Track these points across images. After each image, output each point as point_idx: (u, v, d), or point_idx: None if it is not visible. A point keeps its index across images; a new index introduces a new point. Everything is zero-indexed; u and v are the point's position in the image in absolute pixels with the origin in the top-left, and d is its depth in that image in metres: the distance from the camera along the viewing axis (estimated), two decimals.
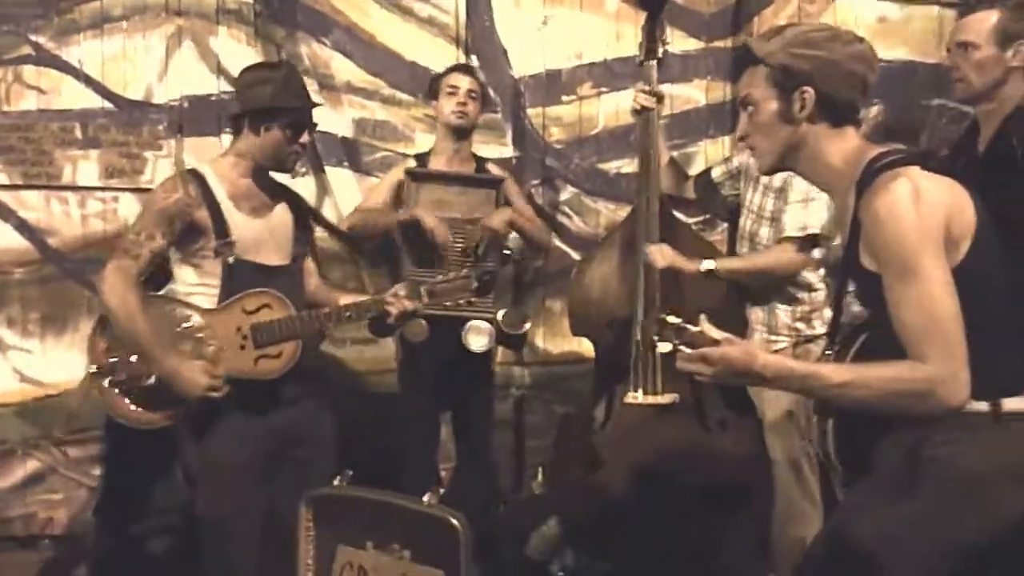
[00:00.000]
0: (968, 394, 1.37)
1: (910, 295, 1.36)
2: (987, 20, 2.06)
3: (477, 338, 2.70)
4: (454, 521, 1.89)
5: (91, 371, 2.11)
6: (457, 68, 2.93)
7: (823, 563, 1.54)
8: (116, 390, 2.11)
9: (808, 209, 2.34)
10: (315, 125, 2.25)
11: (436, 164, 2.86)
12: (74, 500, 3.15)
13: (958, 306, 1.37)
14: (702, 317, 1.46)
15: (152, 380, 2.08)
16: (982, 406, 1.40)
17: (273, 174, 2.27)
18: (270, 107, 2.13)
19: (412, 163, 2.87)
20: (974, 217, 1.42)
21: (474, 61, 3.28)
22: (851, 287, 1.53)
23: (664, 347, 1.47)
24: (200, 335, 2.12)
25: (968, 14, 2.10)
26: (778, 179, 2.44)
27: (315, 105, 2.28)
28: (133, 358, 2.09)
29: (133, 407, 2.11)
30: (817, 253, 2.44)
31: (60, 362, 3.12)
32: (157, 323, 2.07)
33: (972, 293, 1.38)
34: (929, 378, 1.36)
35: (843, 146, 1.49)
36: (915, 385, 1.36)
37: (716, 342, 1.42)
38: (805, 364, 1.45)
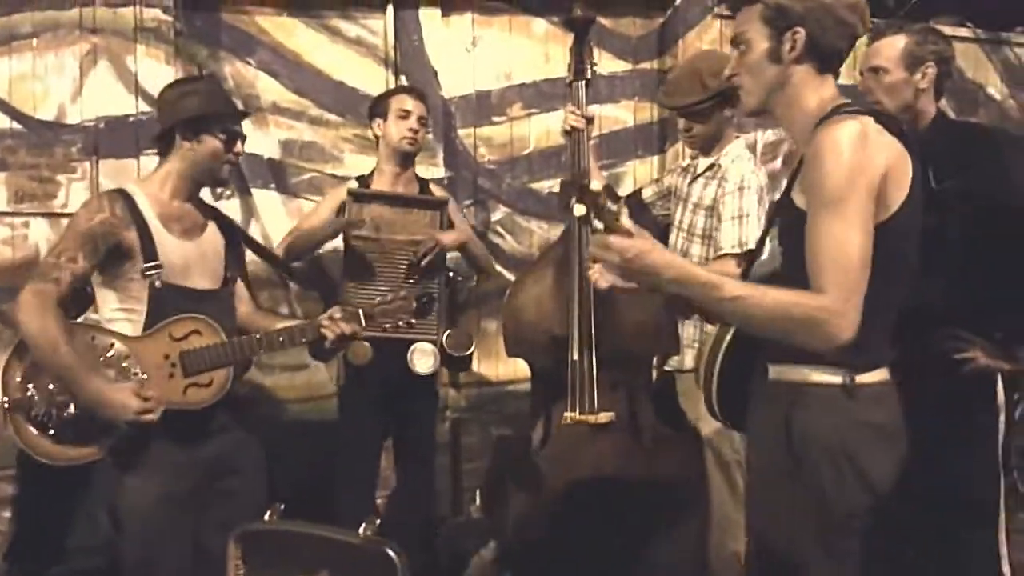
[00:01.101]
0: (853, 335, 1.38)
1: (827, 227, 1.39)
2: (896, 45, 2.14)
3: (423, 360, 2.66)
4: (391, 553, 1.83)
5: (4, 405, 1.98)
6: (406, 91, 2.85)
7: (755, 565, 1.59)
8: (32, 426, 1.98)
9: (742, 225, 2.39)
10: (244, 137, 2.18)
11: (379, 185, 2.81)
12: None
13: (869, 250, 1.39)
14: (623, 208, 1.44)
15: (72, 410, 1.96)
16: (837, 379, 1.45)
17: (203, 194, 2.20)
18: (200, 116, 2.06)
19: (353, 184, 2.81)
20: (909, 185, 1.45)
21: (403, 81, 3.26)
22: (774, 229, 1.56)
23: (579, 210, 1.42)
24: (125, 364, 2.01)
25: (878, 39, 2.18)
26: (708, 198, 2.49)
27: (245, 114, 2.23)
28: (51, 387, 1.97)
29: (53, 443, 1.98)
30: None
31: None
32: (81, 352, 1.96)
33: (881, 257, 1.41)
34: (823, 307, 1.37)
35: (821, 93, 1.51)
36: (807, 312, 1.38)
37: (629, 232, 1.42)
38: (707, 272, 1.45)
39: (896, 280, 1.46)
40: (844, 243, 1.38)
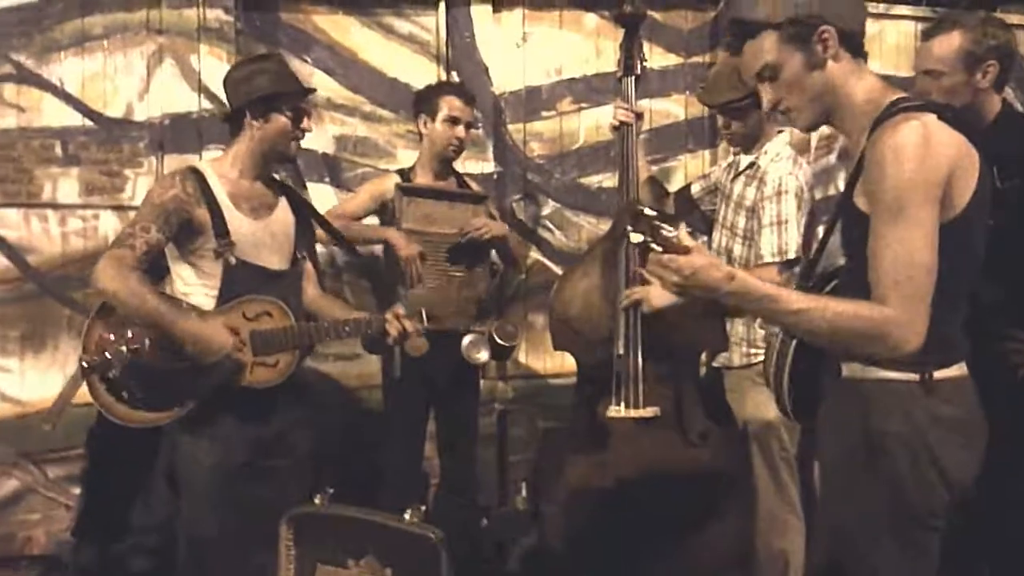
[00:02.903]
0: (919, 344, 1.36)
1: (891, 236, 1.37)
2: (951, 44, 2.01)
3: (478, 350, 2.69)
4: (434, 537, 1.89)
5: (82, 365, 2.06)
6: (457, 92, 2.83)
7: (823, 563, 1.58)
8: (107, 388, 2.06)
9: (781, 232, 2.35)
10: (310, 113, 2.23)
11: (421, 179, 2.86)
12: (53, 519, 3.12)
13: (935, 259, 1.36)
14: (682, 225, 1.46)
15: (147, 372, 2.02)
16: (914, 375, 1.42)
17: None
18: (271, 94, 2.12)
19: (396, 177, 2.87)
20: (976, 182, 1.41)
21: (455, 78, 3.30)
22: (838, 230, 1.54)
23: (636, 238, 1.44)
24: None
25: (931, 36, 2.08)
26: (748, 198, 2.46)
27: (311, 90, 2.27)
28: (129, 348, 2.03)
29: (125, 406, 2.06)
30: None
31: (39, 380, 3.10)
32: None
33: (950, 255, 1.38)
34: (887, 320, 1.36)
35: (866, 83, 1.49)
36: (871, 324, 1.36)
37: (687, 250, 1.43)
38: (768, 285, 1.44)
39: (966, 276, 1.43)
40: (908, 252, 1.36)
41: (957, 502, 1.46)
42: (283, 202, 2.25)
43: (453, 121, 2.76)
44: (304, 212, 2.31)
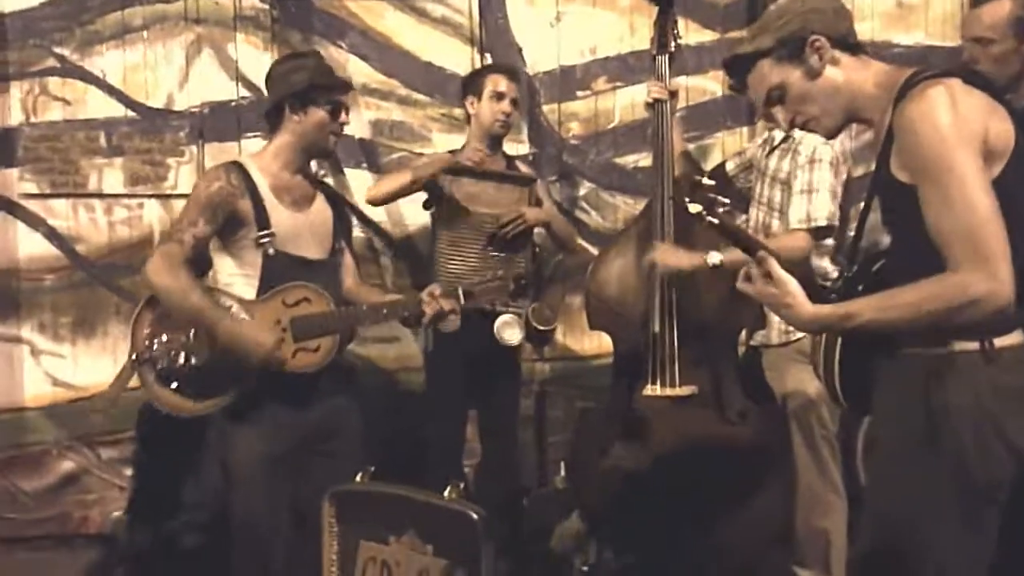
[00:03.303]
0: (1012, 293, 1.32)
1: (944, 196, 1.34)
2: (1001, 11, 1.99)
3: (510, 332, 2.70)
4: (473, 515, 1.90)
5: (132, 358, 2.13)
6: (502, 71, 2.85)
7: (874, 547, 1.54)
8: (157, 379, 2.13)
9: (811, 200, 2.31)
10: (348, 107, 2.27)
11: (468, 161, 2.87)
12: (107, 500, 3.23)
13: (995, 204, 1.33)
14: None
15: (193, 363, 2.09)
16: (974, 345, 1.40)
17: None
18: (307, 89, 2.16)
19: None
20: (1012, 137, 1.39)
21: (488, 60, 3.30)
22: (876, 207, 1.52)
23: (695, 208, 1.51)
24: None
25: (980, 4, 2.05)
26: (783, 171, 2.43)
27: (349, 86, 2.32)
28: (174, 342, 2.10)
29: (174, 395, 2.13)
30: (829, 241, 2.42)
31: (90, 365, 3.20)
32: None
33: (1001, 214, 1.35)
34: (961, 284, 1.32)
35: (871, 73, 1.51)
36: (951, 297, 1.33)
37: (755, 245, 1.48)
38: (838, 307, 1.44)
39: (1017, 236, 1.37)
40: (967, 205, 1.32)
41: (1022, 471, 1.43)
42: (321, 195, 2.29)
43: (499, 97, 2.76)
44: (341, 205, 2.36)
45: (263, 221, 2.13)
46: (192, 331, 2.11)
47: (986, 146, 1.36)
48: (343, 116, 2.22)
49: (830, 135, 1.61)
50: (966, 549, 1.43)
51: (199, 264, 2.19)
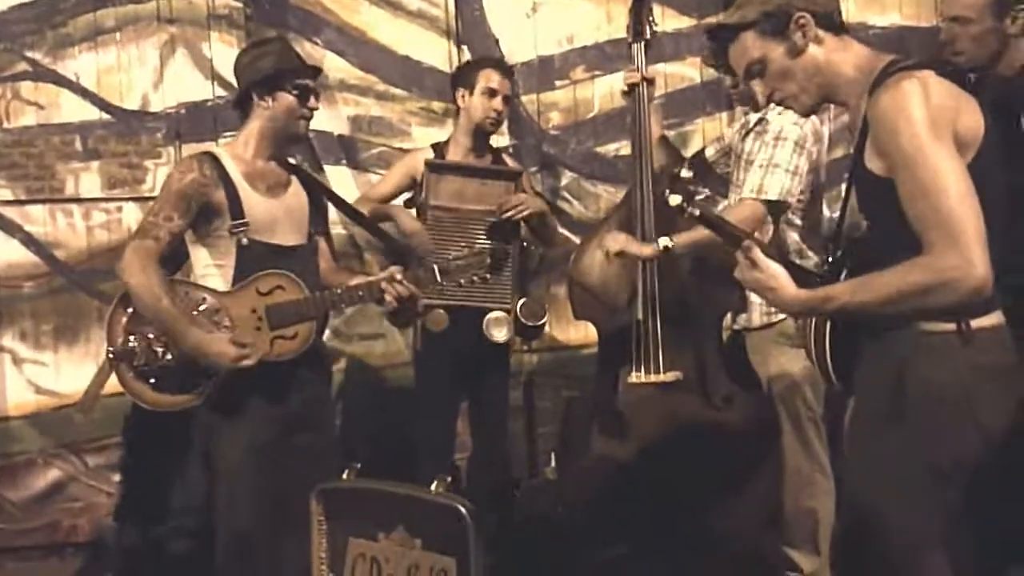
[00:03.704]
0: (987, 275, 1.33)
1: (919, 184, 1.36)
2: None
3: (498, 329, 2.70)
4: (461, 508, 1.90)
5: (108, 354, 2.12)
6: (495, 66, 2.81)
7: (846, 522, 1.59)
8: (135, 374, 2.11)
9: (767, 174, 2.31)
10: (318, 92, 2.25)
11: (454, 155, 2.82)
12: (95, 507, 3.21)
13: (970, 188, 1.34)
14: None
15: (170, 359, 2.08)
16: (951, 325, 1.41)
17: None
18: (274, 73, 2.15)
19: (429, 154, 2.84)
20: (982, 128, 1.42)
21: (465, 52, 3.29)
22: (852, 195, 1.54)
23: (675, 199, 1.52)
24: (216, 317, 2.12)
25: None
26: (755, 152, 2.43)
27: (318, 70, 2.30)
28: (151, 337, 2.09)
29: (153, 391, 2.12)
30: (797, 219, 2.43)
31: (73, 372, 3.17)
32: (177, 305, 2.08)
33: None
34: (940, 269, 1.34)
35: (853, 56, 1.52)
36: (927, 280, 1.35)
37: (739, 236, 1.49)
38: (819, 291, 1.48)
39: (991, 220, 1.39)
40: (941, 189, 1.34)
41: (991, 450, 1.45)
42: (296, 181, 2.27)
43: (492, 93, 2.73)
44: (316, 190, 2.34)
45: (237, 210, 2.12)
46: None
47: (957, 137, 1.38)
48: (312, 100, 2.20)
49: (805, 113, 1.62)
50: (927, 526, 1.46)
51: (175, 257, 2.18)
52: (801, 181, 2.33)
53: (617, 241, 2.33)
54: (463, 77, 2.79)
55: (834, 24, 1.53)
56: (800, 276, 1.52)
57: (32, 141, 3.16)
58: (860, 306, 1.43)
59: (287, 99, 2.16)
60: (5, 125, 3.15)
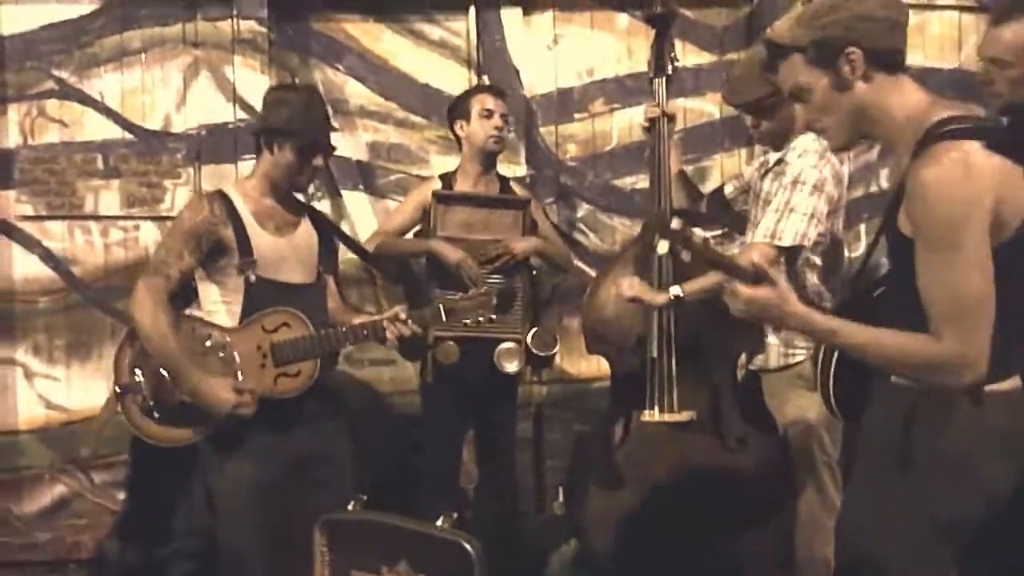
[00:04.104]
0: (982, 374, 1.36)
1: (939, 270, 1.36)
2: (1021, 33, 1.90)
3: (509, 359, 2.69)
4: (467, 545, 1.88)
5: (116, 389, 2.14)
6: (486, 89, 2.87)
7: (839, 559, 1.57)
8: (139, 409, 2.14)
9: (782, 218, 2.28)
10: (333, 149, 2.27)
11: (462, 185, 2.85)
12: (100, 524, 3.20)
13: (990, 288, 1.35)
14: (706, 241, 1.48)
15: (175, 396, 2.10)
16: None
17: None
18: (282, 129, 2.16)
19: (437, 184, 2.86)
20: None
21: (486, 81, 3.30)
22: (883, 243, 1.53)
23: (662, 247, 1.48)
24: (222, 354, 2.14)
25: (1000, 23, 1.95)
26: (773, 193, 2.41)
27: (330, 131, 2.29)
28: (156, 374, 2.12)
29: (157, 425, 2.13)
30: (817, 259, 2.40)
31: (85, 388, 3.18)
32: (183, 342, 2.11)
33: (1005, 273, 1.37)
34: (942, 357, 1.36)
35: (904, 99, 1.46)
36: (927, 361, 1.38)
37: (746, 272, 1.47)
38: (829, 320, 1.47)
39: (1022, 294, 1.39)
40: (960, 286, 1.34)
41: (994, 513, 1.43)
42: (306, 220, 2.29)
43: (488, 114, 2.76)
44: (327, 230, 2.36)
45: (245, 248, 2.13)
46: None
47: (996, 216, 1.36)
48: (317, 160, 2.19)
49: (840, 148, 1.59)
50: None
51: (184, 293, 2.20)
52: (820, 224, 2.30)
53: (632, 288, 2.31)
54: (457, 109, 2.84)
55: (891, 63, 1.46)
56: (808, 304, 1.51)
57: (55, 158, 3.19)
58: (860, 354, 1.44)
59: (287, 157, 2.16)
60: (29, 142, 3.19)
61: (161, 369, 2.11)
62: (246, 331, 2.14)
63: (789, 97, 1.54)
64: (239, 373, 2.12)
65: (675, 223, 1.43)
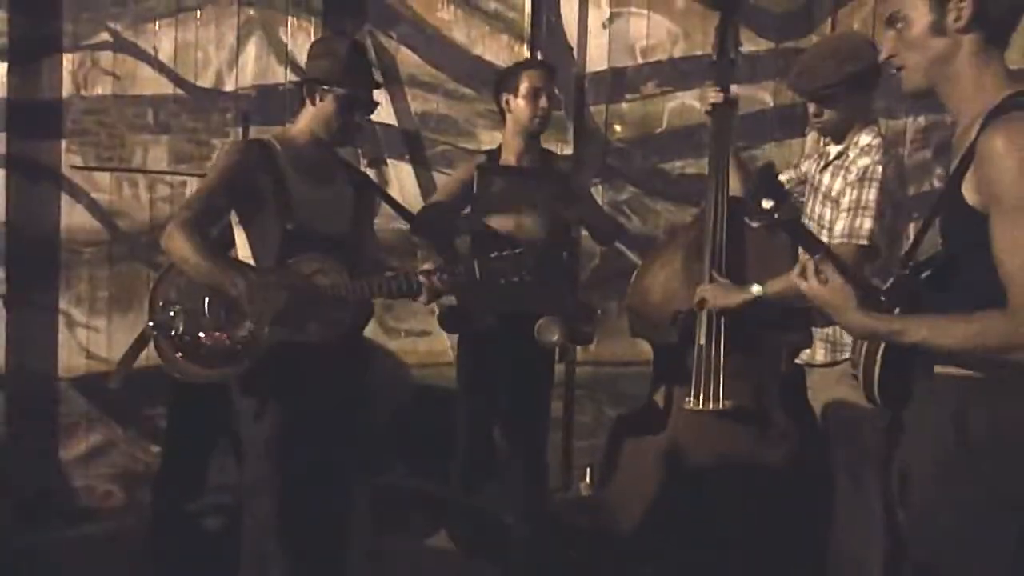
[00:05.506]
0: None
1: (1012, 234, 1.33)
2: None
3: (550, 333, 2.66)
4: (502, 516, 1.88)
5: (149, 324, 2.14)
6: (537, 66, 2.82)
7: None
8: (170, 345, 2.12)
9: (856, 217, 2.24)
10: (375, 105, 2.24)
11: (506, 159, 2.84)
12: (133, 475, 3.24)
13: None
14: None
15: (205, 334, 2.08)
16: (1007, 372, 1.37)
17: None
18: (323, 77, 2.15)
19: (482, 158, 2.84)
20: None
21: (539, 57, 3.27)
22: (936, 224, 1.49)
23: (767, 203, 1.53)
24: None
25: None
26: (835, 189, 2.37)
27: (373, 87, 2.26)
28: (197, 306, 2.09)
29: (187, 362, 2.12)
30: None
31: (125, 340, 3.16)
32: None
33: None
34: (1012, 332, 1.33)
35: (989, 70, 1.43)
36: (1001, 338, 1.35)
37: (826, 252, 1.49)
38: (891, 323, 1.45)
39: None
40: None
41: None
42: (344, 173, 2.28)
43: (535, 94, 2.73)
44: (364, 184, 2.34)
45: (282, 196, 2.12)
46: (207, 299, 2.10)
47: None
48: (358, 115, 2.18)
49: (907, 92, 1.53)
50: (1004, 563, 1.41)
51: (222, 242, 2.19)
52: (884, 221, 2.27)
53: (716, 298, 2.32)
54: (506, 82, 2.78)
55: (995, 31, 1.43)
56: (865, 293, 1.48)
57: (106, 110, 3.20)
58: (933, 347, 1.41)
59: (328, 107, 2.15)
60: (82, 92, 3.20)
61: (203, 298, 2.08)
62: (282, 273, 2.11)
63: (886, 23, 1.50)
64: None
65: (783, 177, 1.42)
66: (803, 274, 1.52)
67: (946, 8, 1.42)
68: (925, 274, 1.50)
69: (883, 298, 1.50)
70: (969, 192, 1.39)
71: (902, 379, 1.52)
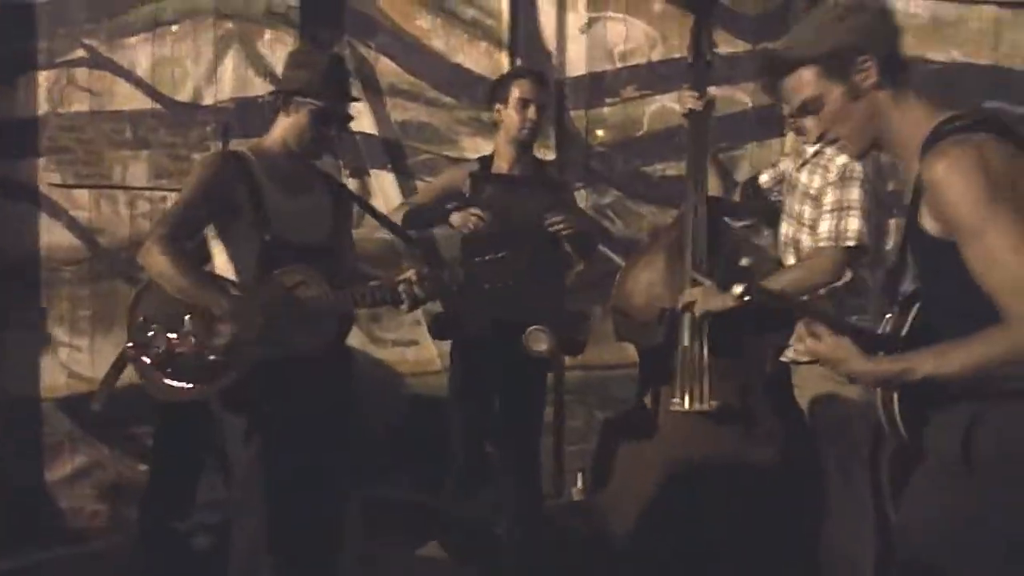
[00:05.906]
0: None
1: (988, 252, 1.33)
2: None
3: (539, 342, 2.67)
4: (492, 526, 1.88)
5: (128, 346, 2.12)
6: (528, 75, 2.80)
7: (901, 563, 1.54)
8: (151, 364, 2.10)
9: (841, 217, 2.26)
10: (349, 119, 2.24)
11: (499, 168, 2.83)
12: (120, 495, 3.21)
13: None
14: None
15: (184, 351, 2.06)
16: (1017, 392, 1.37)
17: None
18: (296, 90, 2.14)
19: (475, 165, 2.84)
20: None
21: (518, 64, 3.27)
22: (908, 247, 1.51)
23: (737, 289, 1.54)
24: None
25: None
26: (813, 187, 2.38)
27: (349, 101, 2.26)
28: (176, 325, 2.07)
29: (167, 381, 2.10)
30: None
31: (108, 359, 3.13)
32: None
33: None
34: (1015, 342, 1.32)
35: (910, 107, 1.47)
36: (1007, 351, 1.34)
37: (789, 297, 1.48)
38: (896, 363, 1.44)
39: None
40: (1011, 259, 1.31)
41: None
42: (321, 183, 2.27)
43: (524, 104, 2.73)
44: (341, 193, 2.34)
45: (258, 207, 2.11)
46: (187, 317, 2.08)
47: (1018, 201, 1.34)
48: (331, 128, 2.17)
49: (856, 156, 1.59)
50: None
51: (199, 255, 2.17)
52: (870, 219, 2.28)
53: (704, 303, 2.30)
54: (498, 91, 2.80)
55: (896, 70, 1.47)
56: (860, 339, 1.48)
57: (83, 127, 3.19)
58: (943, 378, 1.39)
59: (302, 120, 2.14)
60: (58, 110, 3.18)
61: (183, 316, 2.06)
62: (264, 287, 2.11)
63: (798, 112, 1.53)
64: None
65: (743, 261, 1.44)
66: (800, 341, 1.53)
67: (852, 74, 1.45)
68: (914, 309, 1.50)
69: (878, 341, 1.51)
70: (928, 222, 1.42)
71: (920, 407, 1.50)
